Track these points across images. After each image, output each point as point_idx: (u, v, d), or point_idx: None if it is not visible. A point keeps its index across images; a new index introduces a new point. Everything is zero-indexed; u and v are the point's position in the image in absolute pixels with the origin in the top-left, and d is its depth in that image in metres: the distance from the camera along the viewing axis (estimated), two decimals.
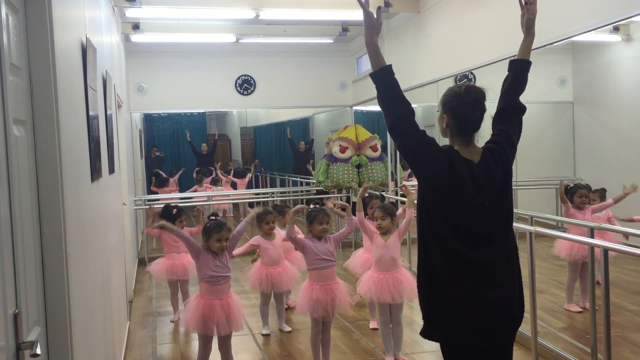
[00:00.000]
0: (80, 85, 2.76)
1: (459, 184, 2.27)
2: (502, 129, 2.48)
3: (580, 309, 5.04)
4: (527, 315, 2.94)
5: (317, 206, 4.37)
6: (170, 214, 5.47)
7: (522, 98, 2.59)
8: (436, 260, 2.32)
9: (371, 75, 2.37)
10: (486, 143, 2.46)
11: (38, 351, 1.60)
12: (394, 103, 2.33)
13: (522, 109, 2.55)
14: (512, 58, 2.58)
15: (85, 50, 2.93)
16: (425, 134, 2.34)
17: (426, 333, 2.41)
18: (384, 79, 2.34)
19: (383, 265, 4.28)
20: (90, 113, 2.97)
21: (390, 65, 2.34)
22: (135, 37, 8.01)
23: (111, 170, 4.24)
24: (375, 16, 2.37)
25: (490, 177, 2.33)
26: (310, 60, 9.59)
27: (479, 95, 2.35)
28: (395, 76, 2.35)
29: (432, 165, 2.29)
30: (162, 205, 5.85)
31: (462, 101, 2.34)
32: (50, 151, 1.95)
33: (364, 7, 2.37)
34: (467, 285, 2.27)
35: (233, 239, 4.00)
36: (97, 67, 3.41)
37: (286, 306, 5.45)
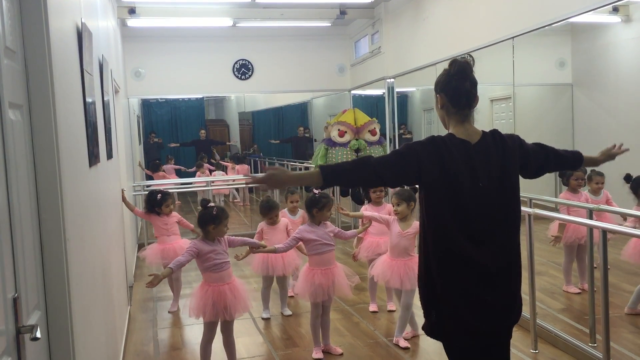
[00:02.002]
0: (77, 70, 2.75)
1: (453, 167, 2.23)
2: (528, 144, 2.46)
3: (579, 291, 5.07)
4: (526, 297, 2.95)
5: (319, 191, 4.36)
6: (155, 199, 5.49)
7: (520, 78, 2.59)
8: (436, 260, 2.30)
9: (323, 187, 2.36)
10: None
11: (38, 335, 1.60)
12: (359, 173, 2.29)
13: (542, 168, 2.51)
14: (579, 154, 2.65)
15: (81, 35, 2.91)
16: (396, 151, 2.33)
17: (427, 330, 2.43)
18: (334, 177, 2.30)
19: (397, 252, 4.31)
20: (87, 98, 2.96)
21: (321, 167, 2.29)
22: (132, 22, 7.96)
23: (109, 155, 4.23)
24: (271, 171, 2.29)
25: (488, 158, 2.29)
26: (308, 44, 9.55)
27: (464, 65, 2.34)
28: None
29: (425, 168, 2.24)
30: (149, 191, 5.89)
31: (449, 73, 2.34)
32: (47, 135, 1.95)
33: (258, 180, 2.39)
34: (467, 288, 2.26)
35: (236, 242, 4.00)
36: (93, 51, 3.38)
37: (290, 294, 5.43)
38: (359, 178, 2.34)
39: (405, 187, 4.20)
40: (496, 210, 2.28)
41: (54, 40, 2.06)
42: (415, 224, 4.27)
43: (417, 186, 2.40)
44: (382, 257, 4.47)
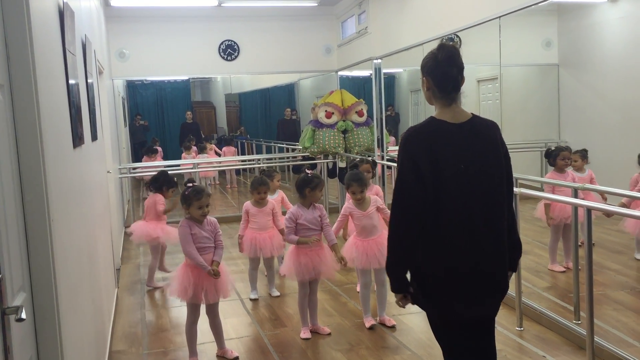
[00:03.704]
0: (59, 49, 2.70)
1: (439, 153, 2.22)
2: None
3: (564, 269, 5.13)
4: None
5: (311, 172, 4.36)
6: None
7: (507, 59, 2.58)
8: (423, 245, 2.30)
9: (402, 287, 2.36)
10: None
11: (23, 316, 1.59)
12: (406, 237, 2.27)
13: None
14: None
15: (63, 14, 2.86)
16: (401, 187, 2.27)
17: (414, 299, 2.42)
18: (398, 269, 2.33)
19: (366, 233, 4.32)
20: (70, 78, 2.91)
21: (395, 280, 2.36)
22: (115, 1, 7.84)
23: (94, 137, 4.18)
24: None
25: (472, 140, 2.27)
26: (294, 25, 9.46)
27: (453, 51, 2.32)
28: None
29: (426, 172, 2.22)
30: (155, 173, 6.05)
31: (436, 59, 2.31)
32: (29, 115, 1.92)
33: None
34: (454, 276, 2.27)
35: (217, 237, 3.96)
36: (75, 31, 3.33)
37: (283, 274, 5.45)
38: (403, 242, 2.28)
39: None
40: (481, 194, 2.26)
41: (35, 18, 2.02)
42: (374, 199, 4.35)
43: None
44: (350, 239, 4.46)
